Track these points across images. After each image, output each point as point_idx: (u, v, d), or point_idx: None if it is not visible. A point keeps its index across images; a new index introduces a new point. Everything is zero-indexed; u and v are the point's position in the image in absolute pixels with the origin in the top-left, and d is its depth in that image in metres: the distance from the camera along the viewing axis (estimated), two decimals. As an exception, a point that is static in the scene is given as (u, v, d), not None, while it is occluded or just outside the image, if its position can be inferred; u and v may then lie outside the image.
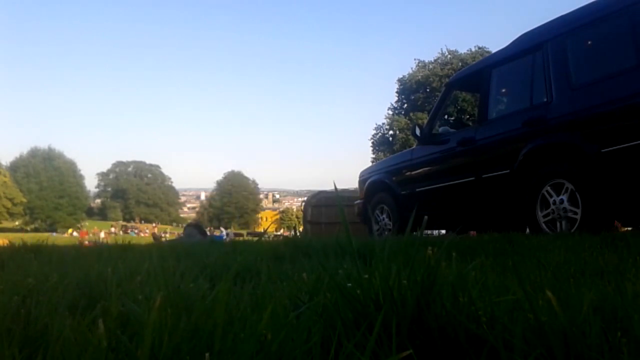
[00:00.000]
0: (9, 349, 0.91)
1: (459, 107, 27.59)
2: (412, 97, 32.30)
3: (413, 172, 5.88)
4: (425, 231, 6.50)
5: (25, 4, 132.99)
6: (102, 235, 32.78)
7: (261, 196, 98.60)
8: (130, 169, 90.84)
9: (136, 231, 61.35)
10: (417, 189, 5.71)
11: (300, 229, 14.44)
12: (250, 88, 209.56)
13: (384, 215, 6.25)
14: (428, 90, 31.28)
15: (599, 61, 4.17)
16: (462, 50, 32.40)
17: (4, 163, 66.33)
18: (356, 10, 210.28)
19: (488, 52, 28.21)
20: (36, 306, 1.15)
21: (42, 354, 0.92)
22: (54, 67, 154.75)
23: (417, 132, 5.88)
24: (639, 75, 3.70)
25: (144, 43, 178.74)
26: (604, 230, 3.47)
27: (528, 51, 4.69)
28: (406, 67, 65.64)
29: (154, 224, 77.17)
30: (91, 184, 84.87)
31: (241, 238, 7.68)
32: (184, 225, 17.55)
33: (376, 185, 6.48)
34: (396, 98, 33.97)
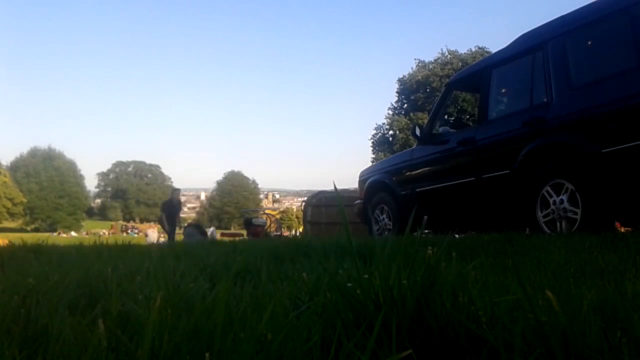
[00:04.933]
0: (9, 349, 0.91)
1: (459, 107, 27.60)
2: (412, 97, 32.30)
3: (413, 172, 5.89)
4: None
5: (25, 4, 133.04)
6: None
7: (261, 196, 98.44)
8: (130, 169, 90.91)
9: (136, 231, 61.32)
10: (417, 189, 5.71)
11: (300, 229, 14.45)
12: (251, 88, 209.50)
13: (384, 215, 6.25)
14: (428, 90, 31.28)
15: (598, 61, 4.17)
16: (462, 50, 32.44)
17: (4, 163, 66.45)
18: (356, 10, 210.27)
19: (488, 52, 28.22)
20: (36, 306, 1.15)
21: (42, 354, 0.92)
22: (54, 67, 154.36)
23: (417, 132, 5.89)
24: (639, 75, 3.70)
25: (144, 43, 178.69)
26: (604, 230, 3.47)
27: (528, 51, 4.69)
28: (406, 67, 65.70)
29: (151, 224, 77.06)
30: (91, 184, 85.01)
31: (239, 239, 7.67)
32: (184, 225, 17.51)
33: (376, 185, 6.48)
34: (396, 98, 34.00)
